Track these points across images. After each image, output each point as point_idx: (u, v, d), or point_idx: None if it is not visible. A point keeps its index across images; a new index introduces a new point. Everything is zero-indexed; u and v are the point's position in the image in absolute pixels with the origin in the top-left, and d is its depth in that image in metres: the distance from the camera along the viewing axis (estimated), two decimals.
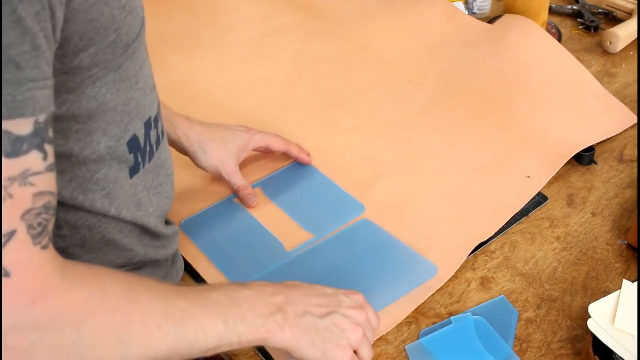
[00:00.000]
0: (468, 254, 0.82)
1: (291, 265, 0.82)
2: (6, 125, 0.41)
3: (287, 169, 0.96)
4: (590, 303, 0.72)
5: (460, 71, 1.11)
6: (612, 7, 1.31)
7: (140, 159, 0.64)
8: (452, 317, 0.76)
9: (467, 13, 1.31)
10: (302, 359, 0.62)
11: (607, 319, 0.69)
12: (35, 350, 0.46)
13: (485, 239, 0.84)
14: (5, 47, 0.40)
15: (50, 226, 0.47)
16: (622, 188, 0.93)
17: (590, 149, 0.97)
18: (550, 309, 0.77)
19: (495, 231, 0.85)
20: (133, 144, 0.62)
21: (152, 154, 0.67)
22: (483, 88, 1.08)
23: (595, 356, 0.67)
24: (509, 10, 1.21)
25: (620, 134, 1.02)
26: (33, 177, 0.44)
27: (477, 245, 0.83)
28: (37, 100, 0.42)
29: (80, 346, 0.48)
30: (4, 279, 0.43)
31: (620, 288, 0.73)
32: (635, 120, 1.03)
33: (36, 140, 0.43)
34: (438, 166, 0.96)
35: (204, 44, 1.22)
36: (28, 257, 0.45)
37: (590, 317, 0.70)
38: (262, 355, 0.73)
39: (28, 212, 0.44)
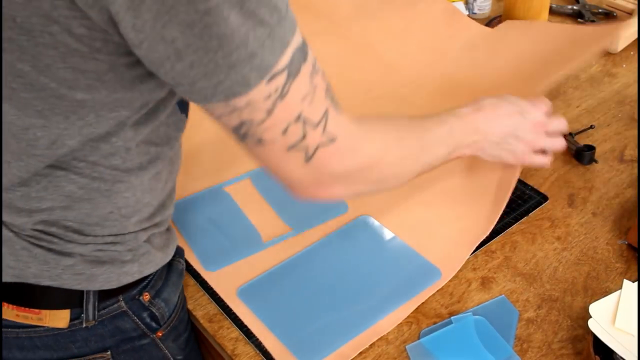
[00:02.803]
0: (470, 253, 0.82)
1: (294, 263, 0.83)
2: (292, 45, 0.52)
3: None
4: (590, 303, 0.72)
5: (460, 72, 1.11)
6: (612, 7, 1.31)
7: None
8: (452, 317, 0.76)
9: (467, 13, 1.32)
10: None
11: (607, 318, 0.69)
12: (357, 185, 0.64)
13: (485, 236, 0.84)
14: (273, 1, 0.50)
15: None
16: (623, 188, 0.93)
17: (591, 148, 0.97)
18: (551, 308, 0.77)
19: (492, 225, 0.85)
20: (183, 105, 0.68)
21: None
22: (483, 88, 1.08)
23: (596, 356, 0.67)
24: (509, 10, 1.21)
25: (621, 133, 1.02)
26: (316, 64, 0.56)
27: (478, 243, 0.83)
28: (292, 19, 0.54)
29: (385, 171, 0.67)
30: (331, 145, 0.58)
31: (620, 288, 0.73)
32: None
33: (302, 41, 0.55)
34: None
35: None
36: (342, 122, 0.59)
37: (590, 317, 0.70)
38: (263, 355, 0.73)
39: (327, 90, 0.58)
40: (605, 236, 0.86)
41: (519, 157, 0.81)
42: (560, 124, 0.84)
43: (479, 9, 1.34)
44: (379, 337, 0.74)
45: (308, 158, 0.58)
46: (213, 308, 0.79)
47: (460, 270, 0.81)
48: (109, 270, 0.66)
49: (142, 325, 0.72)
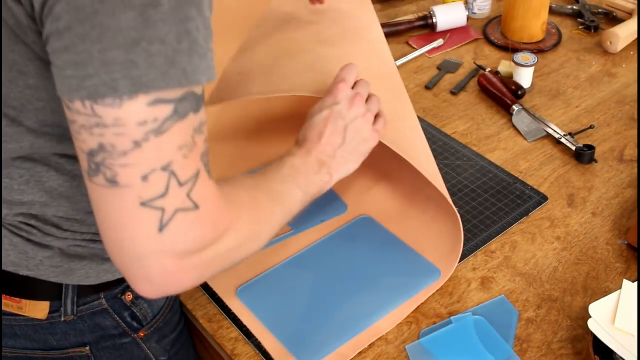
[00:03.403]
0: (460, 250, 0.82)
1: (294, 263, 0.83)
2: (192, 88, 0.49)
3: None
4: (590, 303, 0.72)
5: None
6: (612, 7, 1.31)
7: None
8: (452, 317, 0.76)
9: (468, 13, 1.32)
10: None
11: (607, 318, 0.69)
12: (211, 262, 0.55)
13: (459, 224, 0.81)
14: (192, 31, 0.48)
15: None
16: (622, 188, 0.93)
17: (591, 148, 0.97)
18: (551, 308, 0.77)
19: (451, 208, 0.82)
20: None
21: None
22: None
23: (596, 356, 0.67)
24: (509, 10, 1.21)
25: (621, 133, 1.02)
26: (204, 126, 0.52)
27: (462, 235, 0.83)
28: (211, 67, 0.51)
29: (239, 248, 0.58)
30: (194, 212, 0.51)
31: (620, 288, 0.73)
32: None
33: (203, 97, 0.51)
34: (432, 167, 0.95)
35: None
36: (210, 191, 0.53)
37: (590, 317, 0.70)
38: (262, 355, 0.73)
39: (204, 154, 0.52)
40: (605, 236, 0.86)
41: (369, 137, 0.73)
42: (361, 85, 0.75)
43: (478, 9, 1.34)
44: (379, 337, 0.74)
45: (162, 225, 0.49)
46: (213, 308, 0.79)
47: (460, 270, 0.81)
48: (88, 266, 0.66)
49: (123, 324, 0.72)
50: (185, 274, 0.52)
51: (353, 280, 0.80)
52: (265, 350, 0.73)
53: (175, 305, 0.79)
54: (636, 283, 0.73)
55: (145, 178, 0.48)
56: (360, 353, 0.73)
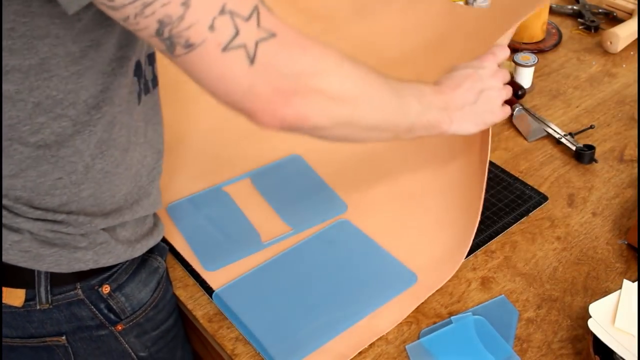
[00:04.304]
0: (466, 253, 0.82)
1: (272, 266, 0.83)
2: None
3: (278, 163, 0.97)
4: (590, 303, 0.72)
5: (462, 62, 1.10)
6: (612, 7, 1.31)
7: (142, 86, 0.68)
8: (452, 317, 0.76)
9: None
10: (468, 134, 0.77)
11: (607, 318, 0.69)
12: (315, 94, 0.57)
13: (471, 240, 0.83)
14: None
15: None
16: (622, 188, 0.93)
17: (591, 148, 0.97)
18: (551, 308, 0.77)
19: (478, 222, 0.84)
20: (137, 70, 0.66)
21: (147, 89, 0.70)
22: None
23: (596, 356, 0.67)
24: None
25: (621, 133, 1.02)
26: None
27: (478, 246, 0.83)
28: None
29: (344, 96, 0.60)
30: (273, 39, 0.53)
31: (620, 288, 0.73)
32: None
33: None
34: (436, 165, 0.96)
35: None
36: (278, 20, 0.54)
37: (590, 316, 0.70)
38: (263, 355, 0.73)
39: None
40: (605, 236, 0.86)
41: (497, 110, 0.78)
42: (503, 51, 0.81)
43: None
44: (379, 337, 0.74)
45: (251, 58, 0.53)
46: (213, 308, 0.79)
47: (460, 270, 0.81)
48: (58, 253, 0.66)
49: (100, 315, 0.72)
50: (290, 98, 0.55)
51: (332, 286, 0.80)
52: (266, 350, 0.73)
53: (162, 304, 0.79)
54: (636, 283, 0.73)
55: (211, 28, 0.51)
56: (360, 353, 0.73)
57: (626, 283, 0.73)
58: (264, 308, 0.78)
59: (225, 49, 0.52)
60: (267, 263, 0.83)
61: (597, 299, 0.72)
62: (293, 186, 0.94)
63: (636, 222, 0.83)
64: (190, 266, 0.83)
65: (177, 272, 0.83)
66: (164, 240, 0.85)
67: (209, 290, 0.80)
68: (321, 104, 0.58)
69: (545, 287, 0.80)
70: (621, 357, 0.66)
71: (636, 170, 0.96)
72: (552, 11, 1.33)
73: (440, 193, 0.92)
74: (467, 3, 1.34)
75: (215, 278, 0.81)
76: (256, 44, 0.53)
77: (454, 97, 0.74)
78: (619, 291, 0.72)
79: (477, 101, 0.75)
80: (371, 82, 0.64)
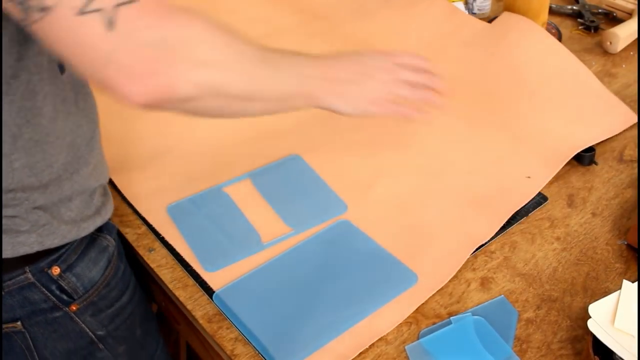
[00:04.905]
0: (469, 255, 0.82)
1: (272, 267, 0.82)
2: None
3: (278, 163, 0.97)
4: (590, 303, 0.72)
5: (459, 70, 1.10)
6: (612, 7, 1.31)
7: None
8: (452, 317, 0.76)
9: (467, 13, 1.31)
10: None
11: (607, 319, 0.69)
12: (176, 49, 0.54)
13: (486, 241, 0.84)
14: None
15: None
16: (622, 188, 0.93)
17: (591, 149, 0.97)
18: (550, 309, 0.77)
19: (495, 232, 0.85)
20: None
21: None
22: (483, 88, 1.08)
23: (595, 356, 0.67)
24: (509, 10, 1.21)
25: (620, 133, 1.02)
26: None
27: (477, 246, 0.83)
28: None
29: (201, 47, 0.57)
30: (132, 3, 0.51)
31: (620, 288, 0.73)
32: (636, 120, 1.03)
33: None
34: (437, 166, 0.96)
35: None
36: None
37: (590, 317, 0.70)
38: (263, 355, 0.73)
39: None
40: (605, 236, 0.86)
41: (378, 102, 0.76)
42: (413, 58, 0.80)
43: (478, 9, 1.34)
44: (379, 337, 0.74)
45: (110, 22, 0.50)
46: (212, 308, 0.79)
47: (459, 271, 0.81)
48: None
49: (52, 297, 0.72)
50: (154, 66, 0.53)
51: (329, 284, 0.80)
52: (266, 350, 0.73)
53: (114, 282, 0.79)
54: (636, 283, 0.73)
55: None
56: (360, 353, 0.73)
57: (626, 283, 0.73)
58: (265, 309, 0.78)
59: (81, 12, 0.50)
60: (268, 264, 0.83)
61: (596, 300, 0.72)
62: (293, 186, 0.94)
63: (636, 222, 0.83)
64: (190, 267, 0.83)
65: (177, 273, 0.83)
66: (164, 240, 0.85)
67: (209, 290, 0.80)
68: (187, 72, 0.56)
69: (545, 287, 0.80)
70: (621, 358, 0.66)
71: (636, 170, 0.96)
72: (552, 11, 1.32)
73: (440, 193, 0.92)
74: (467, 3, 1.34)
75: (216, 279, 0.81)
76: (115, 8, 0.50)
77: (332, 69, 0.73)
78: (618, 291, 0.72)
79: (357, 84, 0.74)
80: (242, 50, 0.61)
